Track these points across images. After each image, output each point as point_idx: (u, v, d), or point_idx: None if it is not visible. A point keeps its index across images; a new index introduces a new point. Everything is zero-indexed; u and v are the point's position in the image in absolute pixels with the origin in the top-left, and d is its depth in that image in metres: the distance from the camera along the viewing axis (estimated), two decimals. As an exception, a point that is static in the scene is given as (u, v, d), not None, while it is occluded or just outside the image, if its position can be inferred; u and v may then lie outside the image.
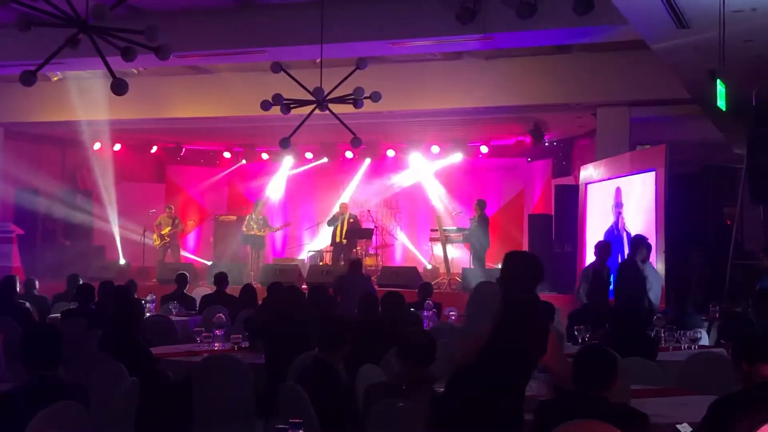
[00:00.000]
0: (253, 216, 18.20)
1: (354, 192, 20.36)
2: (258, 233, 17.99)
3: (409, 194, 20.41)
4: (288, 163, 20.74)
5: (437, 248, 17.95)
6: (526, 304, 4.70)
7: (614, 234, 13.48)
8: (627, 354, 6.65)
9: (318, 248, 19.14)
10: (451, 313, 10.46)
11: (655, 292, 9.97)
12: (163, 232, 18.36)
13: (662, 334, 8.14)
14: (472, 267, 16.01)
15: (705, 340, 8.53)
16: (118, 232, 19.12)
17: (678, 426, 4.82)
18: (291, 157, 20.41)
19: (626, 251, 12.24)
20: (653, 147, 12.46)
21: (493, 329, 4.49)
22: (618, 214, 13.53)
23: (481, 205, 16.66)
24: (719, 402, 4.35)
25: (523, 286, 4.76)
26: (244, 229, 18.12)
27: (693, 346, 7.82)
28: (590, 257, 14.06)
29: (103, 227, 19.06)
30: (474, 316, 4.60)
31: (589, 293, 10.53)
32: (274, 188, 21.03)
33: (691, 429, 4.71)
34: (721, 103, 7.96)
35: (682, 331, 7.97)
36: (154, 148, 20.95)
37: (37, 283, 11.72)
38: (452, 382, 4.69)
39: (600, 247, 11.01)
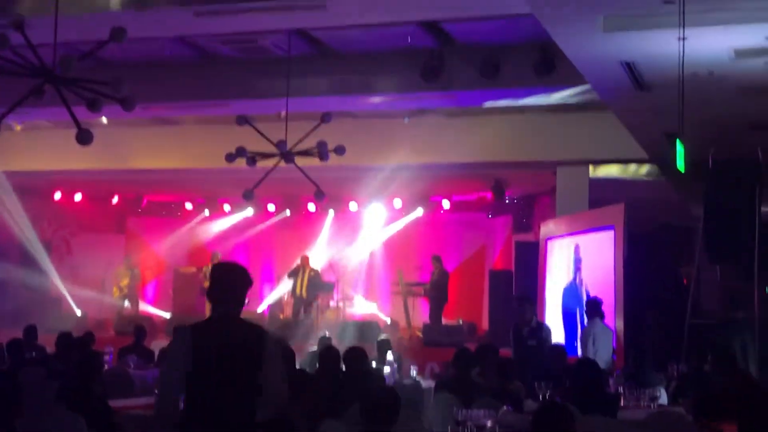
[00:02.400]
0: (210, 268, 18.14)
1: (316, 245, 20.33)
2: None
3: (371, 247, 20.39)
4: (249, 214, 20.69)
5: (398, 302, 17.96)
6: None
7: (573, 291, 13.58)
8: (587, 411, 6.69)
9: (278, 301, 19.03)
10: (412, 367, 10.44)
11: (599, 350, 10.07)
12: (121, 284, 18.20)
13: (622, 392, 8.18)
14: (430, 322, 16.07)
15: (664, 399, 8.58)
16: (75, 283, 18.89)
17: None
18: (253, 209, 20.37)
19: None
20: (612, 205, 12.62)
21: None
22: (577, 271, 13.64)
23: (438, 259, 16.78)
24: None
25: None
26: (204, 281, 18.03)
27: (653, 404, 7.86)
28: (550, 313, 14.18)
29: (60, 278, 18.80)
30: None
31: (514, 348, 10.41)
32: (236, 241, 20.95)
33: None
34: (680, 164, 8.12)
35: (642, 389, 8.02)
36: (115, 199, 20.79)
37: (-8, 333, 11.56)
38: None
39: (516, 303, 10.90)
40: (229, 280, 4.70)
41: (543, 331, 10.33)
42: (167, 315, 18.20)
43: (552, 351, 9.55)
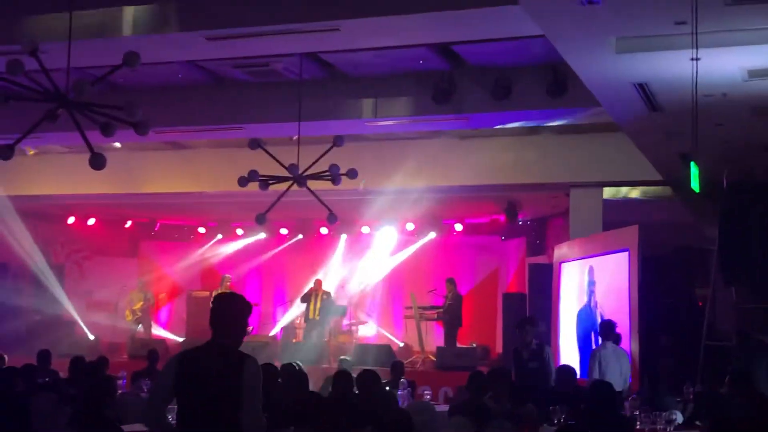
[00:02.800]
0: (220, 291, 18.11)
1: (329, 268, 20.30)
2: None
3: (384, 271, 20.36)
4: (262, 238, 20.73)
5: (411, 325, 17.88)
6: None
7: (588, 313, 13.50)
8: (603, 435, 6.63)
9: (291, 325, 19.00)
10: (425, 392, 10.38)
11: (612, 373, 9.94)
12: (135, 308, 18.20)
13: (638, 416, 8.10)
14: (445, 345, 15.99)
15: (680, 422, 8.49)
16: (88, 307, 18.93)
17: None
18: (265, 233, 20.40)
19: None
20: (626, 227, 12.56)
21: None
22: (591, 294, 13.56)
23: (453, 282, 16.72)
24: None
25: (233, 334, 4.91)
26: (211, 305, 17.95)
27: (669, 428, 7.78)
28: (564, 336, 14.11)
29: (73, 302, 18.83)
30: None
31: (515, 371, 10.29)
32: (249, 264, 20.96)
33: None
34: (694, 185, 8.08)
35: (657, 412, 7.94)
36: (128, 223, 20.89)
37: (6, 358, 11.54)
38: None
39: (517, 325, 10.79)
40: (221, 312, 4.94)
41: (545, 352, 10.22)
42: (181, 339, 18.18)
43: (560, 372, 9.46)
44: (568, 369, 9.46)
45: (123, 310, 18.43)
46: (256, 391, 4.76)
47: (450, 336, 16.34)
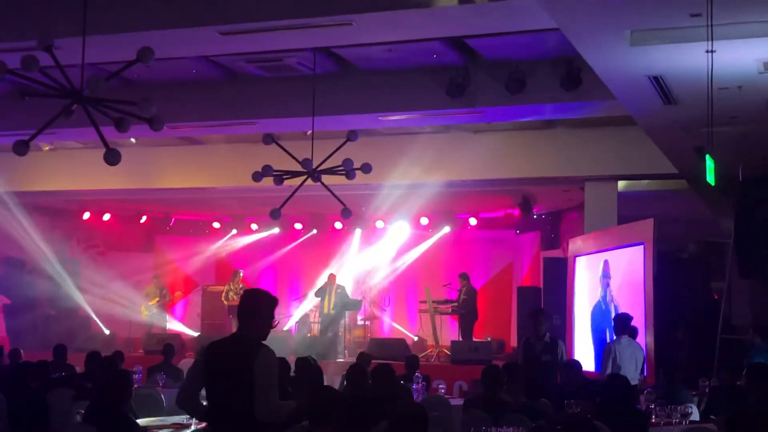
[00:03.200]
0: (232, 286, 18.18)
1: (343, 263, 20.32)
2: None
3: (398, 265, 20.37)
4: (276, 233, 20.77)
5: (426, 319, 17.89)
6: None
7: (602, 307, 13.47)
8: (617, 428, 6.61)
9: (305, 319, 19.03)
10: (440, 386, 10.37)
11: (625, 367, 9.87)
12: (150, 303, 18.27)
13: (653, 409, 8.07)
14: (461, 339, 15.99)
15: (696, 416, 8.46)
16: (104, 302, 19.00)
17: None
18: (279, 228, 20.44)
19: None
20: (641, 221, 12.52)
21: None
22: (606, 287, 13.53)
23: (466, 277, 16.70)
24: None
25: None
26: (223, 299, 18.05)
27: (684, 422, 7.75)
28: (579, 330, 14.08)
29: (89, 297, 18.91)
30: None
31: (523, 363, 10.18)
32: (263, 259, 21.01)
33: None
34: (710, 178, 8.04)
35: (673, 406, 7.90)
36: (144, 218, 20.96)
37: (22, 353, 11.62)
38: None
39: (530, 315, 10.71)
40: (245, 305, 5.24)
41: (558, 347, 10.11)
42: (196, 333, 18.24)
43: (565, 368, 9.42)
44: (574, 364, 9.41)
45: (139, 305, 18.50)
46: (267, 382, 4.94)
47: (466, 330, 16.34)
